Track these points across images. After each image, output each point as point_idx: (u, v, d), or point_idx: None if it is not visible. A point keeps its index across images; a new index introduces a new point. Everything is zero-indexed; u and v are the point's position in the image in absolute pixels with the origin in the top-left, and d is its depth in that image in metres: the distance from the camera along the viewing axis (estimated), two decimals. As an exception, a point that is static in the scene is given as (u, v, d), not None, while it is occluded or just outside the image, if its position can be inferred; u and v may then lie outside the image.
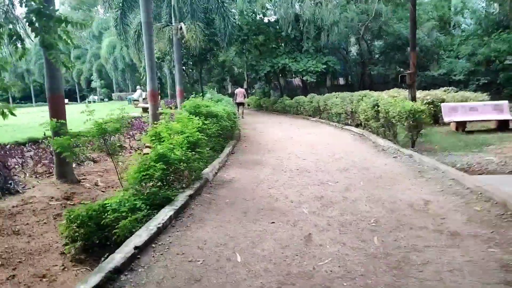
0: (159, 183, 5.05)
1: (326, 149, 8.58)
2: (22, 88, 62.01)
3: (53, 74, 6.08)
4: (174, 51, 16.57)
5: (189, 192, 4.95)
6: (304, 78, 21.57)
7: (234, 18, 18.59)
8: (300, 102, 18.25)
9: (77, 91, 58.54)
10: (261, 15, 23.80)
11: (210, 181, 5.93)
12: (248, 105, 27.60)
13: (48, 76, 6.08)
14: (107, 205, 3.85)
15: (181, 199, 4.61)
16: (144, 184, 4.79)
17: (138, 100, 27.48)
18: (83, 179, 6.62)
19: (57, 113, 6.17)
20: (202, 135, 6.18)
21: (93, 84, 51.72)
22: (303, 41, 21.65)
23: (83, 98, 57.29)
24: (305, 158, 7.70)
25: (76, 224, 3.63)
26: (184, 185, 5.27)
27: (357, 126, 11.76)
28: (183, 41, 16.44)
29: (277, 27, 22.54)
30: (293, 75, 26.30)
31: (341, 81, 31.08)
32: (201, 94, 17.07)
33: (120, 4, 14.64)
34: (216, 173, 6.50)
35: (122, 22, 15.20)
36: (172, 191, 4.75)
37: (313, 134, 11.53)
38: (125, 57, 37.98)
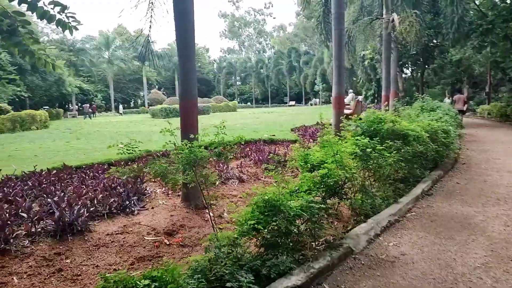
0: (262, 248, 3.19)
1: None
2: (262, 91, 72.95)
3: (184, 78, 5.15)
4: (383, 49, 13.84)
5: (297, 279, 2.78)
6: None
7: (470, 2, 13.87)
8: None
9: (303, 94, 63.01)
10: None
11: (355, 255, 3.48)
12: (489, 114, 21.06)
13: (180, 80, 5.23)
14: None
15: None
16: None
17: (349, 105, 26.07)
18: (212, 204, 5.46)
19: (187, 123, 5.20)
20: (352, 171, 3.80)
21: (316, 88, 54.03)
22: None
23: (307, 101, 61.19)
24: None
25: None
26: (299, 256, 3.17)
27: None
28: (396, 36, 13.48)
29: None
30: None
31: None
32: (416, 99, 13.55)
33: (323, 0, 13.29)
34: (375, 236, 3.91)
35: (324, 21, 13.84)
36: (273, 267, 2.80)
37: None
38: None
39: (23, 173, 6.10)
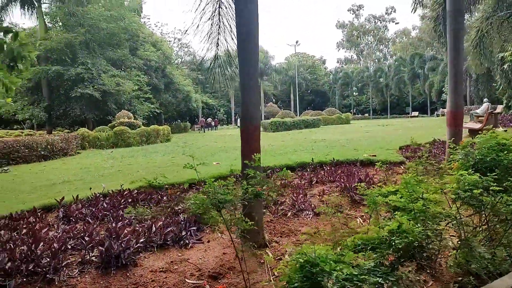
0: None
1: None
2: (381, 101, 68.26)
3: (244, 107, 4.66)
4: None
5: None
6: None
7: None
8: None
9: (428, 103, 56.48)
10: None
11: None
12: None
13: (241, 107, 4.76)
14: None
15: None
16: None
17: (482, 116, 21.88)
18: (276, 242, 4.78)
19: (246, 150, 4.68)
20: (439, 226, 2.68)
21: (444, 96, 47.65)
22: None
23: (433, 111, 54.54)
24: None
25: None
26: None
27: None
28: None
29: None
30: None
31: None
32: None
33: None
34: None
35: (444, 21, 11.68)
36: None
37: None
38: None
39: (108, 192, 6.47)
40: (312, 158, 9.12)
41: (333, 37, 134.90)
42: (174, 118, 51.09)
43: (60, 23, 28.76)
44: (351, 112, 60.65)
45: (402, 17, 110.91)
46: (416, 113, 53.24)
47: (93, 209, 5.45)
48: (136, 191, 6.42)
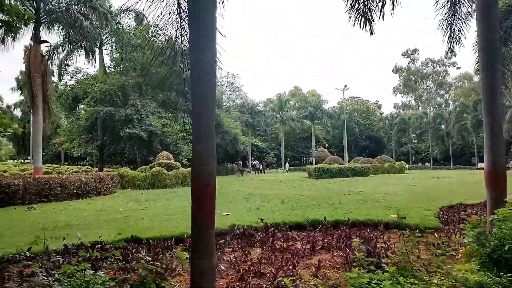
0: None
1: None
2: (442, 150, 63.38)
3: (194, 150, 3.96)
4: None
5: None
6: None
7: None
8: None
9: (497, 154, 51.07)
10: None
11: None
12: None
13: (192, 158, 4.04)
14: None
15: None
16: None
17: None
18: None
19: (200, 203, 3.91)
20: None
21: (515, 147, 42.72)
22: None
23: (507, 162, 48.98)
24: None
25: None
26: None
27: None
28: None
29: None
30: None
31: None
32: None
33: None
34: None
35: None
36: None
37: None
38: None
39: (82, 243, 5.97)
40: (325, 217, 7.98)
41: (391, 81, 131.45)
42: (222, 160, 51.74)
43: (116, 68, 31.17)
44: (409, 161, 56.82)
45: (464, 62, 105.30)
46: (483, 165, 48.13)
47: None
48: (109, 245, 5.85)
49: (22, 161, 59.54)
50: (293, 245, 6.59)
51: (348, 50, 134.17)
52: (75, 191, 15.00)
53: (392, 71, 78.86)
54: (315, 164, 44.36)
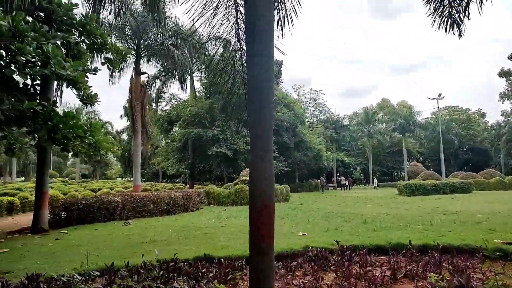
0: None
1: None
2: None
3: (251, 172, 3.85)
4: None
5: None
6: None
7: None
8: None
9: None
10: None
11: None
12: None
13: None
14: None
15: None
16: None
17: None
18: None
19: (258, 225, 3.79)
20: None
21: None
22: None
23: None
24: None
25: None
26: None
27: None
28: None
29: None
30: None
31: None
32: None
33: None
34: None
35: None
36: None
37: None
38: None
39: (159, 260, 6.28)
40: (410, 241, 7.17)
41: (495, 87, 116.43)
42: (305, 177, 51.09)
43: (205, 92, 33.40)
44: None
45: None
46: None
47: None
48: (183, 262, 6.06)
49: (128, 179, 66.90)
50: (371, 271, 6.01)
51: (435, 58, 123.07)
52: (165, 207, 16.17)
53: (498, 74, 69.71)
54: (408, 180, 40.96)
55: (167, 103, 37.12)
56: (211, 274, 5.67)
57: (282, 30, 5.66)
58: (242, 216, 14.14)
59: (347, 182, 46.86)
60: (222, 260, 6.46)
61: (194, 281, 5.44)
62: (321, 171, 49.03)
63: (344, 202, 20.89)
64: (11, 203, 17.30)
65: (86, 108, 30.14)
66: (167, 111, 36.54)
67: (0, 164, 57.19)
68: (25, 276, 5.10)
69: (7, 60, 7.98)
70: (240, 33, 5.82)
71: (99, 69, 10.43)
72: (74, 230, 11.69)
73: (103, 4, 17.08)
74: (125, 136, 68.35)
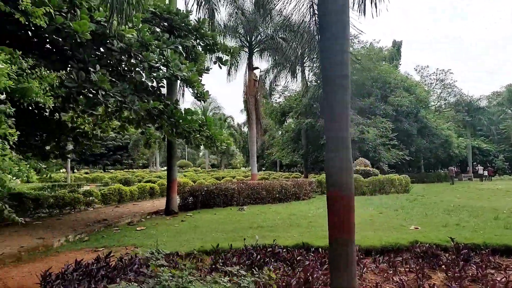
0: None
1: None
2: None
3: (326, 159, 3.71)
4: None
5: None
6: None
7: None
8: None
9: None
10: None
11: None
12: None
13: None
14: None
15: None
16: None
17: None
18: None
19: (337, 215, 3.70)
20: None
21: None
22: None
23: None
24: None
25: None
26: None
27: None
28: None
29: None
30: None
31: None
32: None
33: None
34: None
35: None
36: None
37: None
38: None
39: (258, 246, 6.61)
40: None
41: None
42: (432, 166, 46.11)
43: (318, 82, 33.06)
44: None
45: None
46: None
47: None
48: (280, 249, 6.28)
49: (249, 168, 71.32)
50: (492, 274, 5.22)
51: None
52: (277, 195, 16.80)
53: None
54: None
55: (280, 95, 38.17)
56: (306, 262, 5.75)
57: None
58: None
59: (486, 172, 40.53)
60: (320, 249, 6.47)
61: (289, 268, 5.63)
62: (451, 160, 43.53)
63: (478, 195, 18.20)
64: (152, 189, 20.38)
65: (205, 104, 32.89)
66: (280, 103, 37.58)
67: (147, 156, 67.84)
68: (149, 251, 6.05)
69: (137, 67, 9.44)
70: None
71: (211, 68, 11.37)
72: (197, 213, 13.18)
73: (217, 8, 18.51)
74: (245, 129, 72.99)
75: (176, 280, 2.97)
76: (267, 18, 19.18)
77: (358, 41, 34.59)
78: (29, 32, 7.95)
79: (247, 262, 5.66)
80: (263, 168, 56.69)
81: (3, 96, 3.35)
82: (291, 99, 35.03)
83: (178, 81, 13.26)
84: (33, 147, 13.11)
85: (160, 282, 2.87)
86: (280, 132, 41.87)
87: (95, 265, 4.94)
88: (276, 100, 39.10)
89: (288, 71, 32.34)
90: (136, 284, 3.19)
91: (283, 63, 28.62)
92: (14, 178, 3.15)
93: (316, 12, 4.88)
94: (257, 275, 4.72)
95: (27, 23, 4.76)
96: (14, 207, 11.40)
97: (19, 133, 3.42)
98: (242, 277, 4.07)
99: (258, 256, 5.75)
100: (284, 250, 6.34)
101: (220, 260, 5.70)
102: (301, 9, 5.45)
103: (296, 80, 34.18)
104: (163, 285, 2.84)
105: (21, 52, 5.24)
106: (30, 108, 4.75)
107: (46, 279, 4.48)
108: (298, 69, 32.97)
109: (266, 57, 27.51)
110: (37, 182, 9.09)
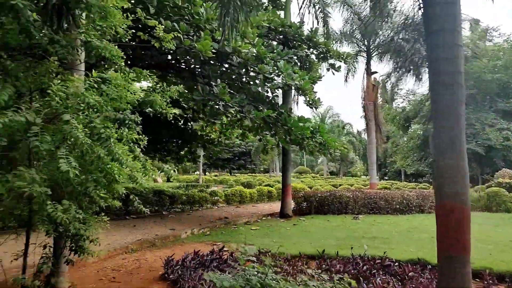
0: None
1: None
2: None
3: (437, 165, 3.37)
4: None
5: None
6: None
7: None
8: None
9: None
10: None
11: None
12: None
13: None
14: None
15: None
16: None
17: None
18: None
19: (448, 231, 3.38)
20: None
21: None
22: None
23: None
24: None
25: None
26: None
27: None
28: None
29: None
30: None
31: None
32: None
33: None
34: None
35: None
36: None
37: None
38: None
39: (366, 256, 6.39)
40: None
41: None
42: None
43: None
44: None
45: None
46: None
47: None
48: (391, 262, 5.95)
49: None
50: None
51: None
52: (397, 206, 15.67)
53: None
54: None
55: (404, 99, 35.35)
56: (420, 279, 5.33)
57: None
58: (486, 224, 11.89)
59: None
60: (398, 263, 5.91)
61: (399, 283, 5.30)
62: None
63: None
64: (270, 192, 21.38)
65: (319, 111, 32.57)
66: (404, 108, 34.74)
67: (268, 162, 71.18)
68: (258, 249, 6.47)
69: (254, 79, 10.21)
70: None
71: (323, 76, 11.45)
72: (310, 219, 13.33)
73: (331, 16, 18.48)
74: (365, 136, 69.59)
75: (259, 276, 3.22)
76: (386, 19, 18.20)
77: (499, 34, 29.59)
78: (169, 56, 9.47)
79: (353, 271, 5.56)
80: (386, 177, 53.11)
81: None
82: (415, 103, 32.10)
83: (292, 90, 13.74)
84: (171, 152, 15.35)
85: (245, 276, 3.16)
86: (404, 139, 38.75)
87: (209, 256, 5.60)
88: (399, 105, 36.42)
89: (412, 74, 29.94)
90: (228, 275, 3.56)
91: (406, 66, 26.63)
92: (142, 175, 3.90)
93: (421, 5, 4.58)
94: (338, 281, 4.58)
95: (161, 48, 5.76)
96: (155, 202, 13.56)
97: (147, 138, 4.21)
98: (323, 281, 4.08)
99: (365, 267, 5.59)
100: (396, 264, 6.00)
101: (324, 265, 5.75)
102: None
103: (421, 83, 31.35)
104: (247, 279, 3.12)
105: (160, 72, 6.40)
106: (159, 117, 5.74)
107: (169, 263, 5.32)
108: (424, 71, 30.19)
109: (386, 60, 26.05)
110: (174, 182, 10.66)
